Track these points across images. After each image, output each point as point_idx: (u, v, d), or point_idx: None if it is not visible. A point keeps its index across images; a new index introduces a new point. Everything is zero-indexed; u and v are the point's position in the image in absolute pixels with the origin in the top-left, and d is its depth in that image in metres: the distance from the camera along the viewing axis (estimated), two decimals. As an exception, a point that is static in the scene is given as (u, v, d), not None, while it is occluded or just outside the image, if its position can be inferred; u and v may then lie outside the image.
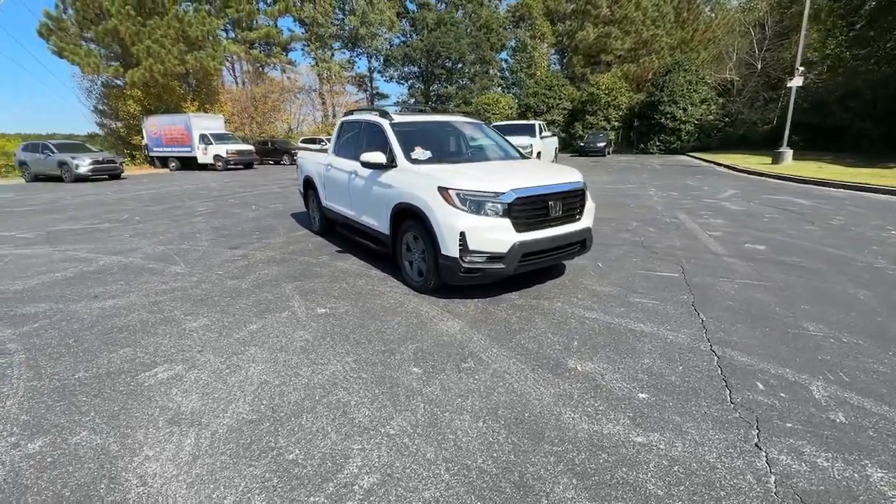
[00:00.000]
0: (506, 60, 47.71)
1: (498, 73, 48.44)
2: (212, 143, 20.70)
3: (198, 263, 5.10)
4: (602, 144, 26.40)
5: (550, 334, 3.17)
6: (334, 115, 39.97)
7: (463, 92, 44.63)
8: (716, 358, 2.80)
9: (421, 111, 5.68)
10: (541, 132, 12.56)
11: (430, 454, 2.00)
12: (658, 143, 28.87)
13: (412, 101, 47.13)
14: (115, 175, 16.88)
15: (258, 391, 2.51)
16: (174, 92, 23.00)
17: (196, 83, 24.20)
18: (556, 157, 15.06)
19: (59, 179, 15.95)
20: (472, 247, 3.48)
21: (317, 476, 1.88)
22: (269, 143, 25.74)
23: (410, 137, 4.61)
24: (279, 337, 3.18)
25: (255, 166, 22.38)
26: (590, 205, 4.20)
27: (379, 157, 4.27)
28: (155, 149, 22.51)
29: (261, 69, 35.64)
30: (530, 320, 3.42)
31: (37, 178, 16.76)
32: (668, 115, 27.78)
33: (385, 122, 4.63)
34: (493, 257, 3.52)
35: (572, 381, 2.57)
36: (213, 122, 22.18)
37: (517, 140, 11.34)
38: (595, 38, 36.20)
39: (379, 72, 47.31)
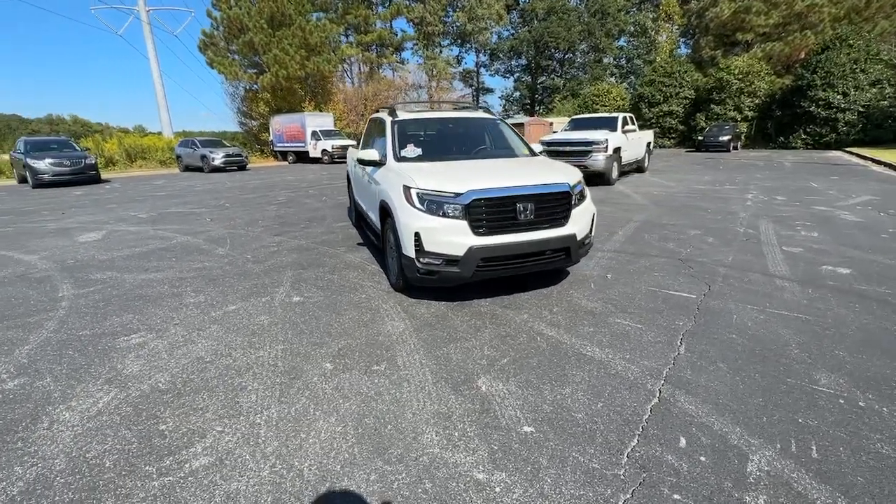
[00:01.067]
0: (621, 47, 44.00)
1: (613, 62, 44.96)
2: (320, 139, 23.04)
3: (239, 247, 5.80)
4: (726, 138, 22.98)
5: (487, 348, 2.96)
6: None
7: (571, 83, 42.46)
8: (655, 400, 2.33)
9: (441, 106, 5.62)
10: (624, 125, 11.39)
11: (270, 449, 2.05)
12: (804, 137, 24.12)
13: (517, 94, 46.32)
14: (241, 166, 19.83)
15: (188, 365, 2.82)
16: (296, 94, 26.02)
17: (314, 85, 27.05)
18: (648, 153, 13.53)
19: (200, 170, 19.30)
20: (427, 248, 3.39)
21: (166, 448, 2.07)
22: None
23: (409, 134, 4.62)
24: (242, 319, 3.50)
25: (356, 160, 24.35)
26: (582, 210, 3.76)
27: (372, 154, 4.37)
28: (278, 144, 25.85)
29: (378, 69, 38.39)
30: (479, 330, 3.22)
31: (187, 168, 20.51)
32: (821, 102, 22.97)
33: (388, 119, 4.70)
34: (449, 260, 3.38)
35: (465, 401, 2.38)
36: (323, 120, 24.63)
37: (588, 135, 10.50)
38: (731, 15, 31.37)
39: (485, 66, 47.42)
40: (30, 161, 14.09)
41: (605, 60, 44.34)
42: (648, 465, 1.89)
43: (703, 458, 1.92)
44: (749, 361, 2.68)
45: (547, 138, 11.27)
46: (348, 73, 37.74)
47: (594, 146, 10.26)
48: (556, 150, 10.83)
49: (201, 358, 2.91)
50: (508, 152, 4.72)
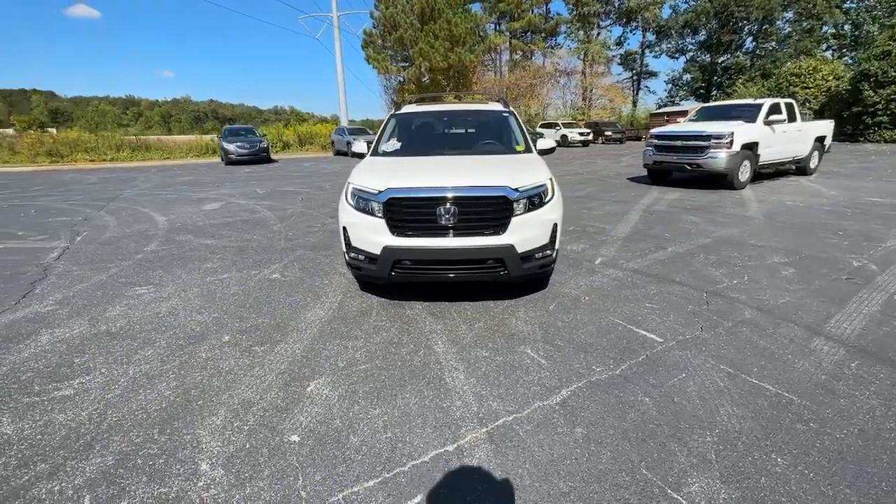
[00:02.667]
0: (846, 11, 33.85)
1: (832, 30, 35.11)
2: (452, 128, 24.01)
3: (293, 226, 6.64)
4: None
5: (362, 352, 2.89)
6: (589, 99, 38.59)
7: (763, 61, 34.72)
8: (447, 459, 2.01)
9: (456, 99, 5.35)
10: (770, 114, 8.99)
11: (114, 394, 2.46)
12: None
13: (686, 76, 39.94)
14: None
15: (150, 317, 3.47)
16: (438, 84, 27.47)
17: (455, 76, 28.10)
18: (819, 150, 10.46)
19: (346, 154, 22.14)
20: (353, 244, 3.42)
21: (68, 367, 2.66)
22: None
23: (404, 128, 4.62)
24: (218, 287, 4.10)
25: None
26: (532, 218, 3.27)
27: (361, 147, 4.51)
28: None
29: (530, 56, 37.75)
30: (377, 333, 3.14)
31: (338, 152, 23.74)
32: None
33: (391, 112, 4.76)
34: (369, 258, 3.35)
35: (279, 398, 2.42)
36: (458, 110, 25.52)
37: (707, 127, 8.65)
38: None
39: (649, 47, 42.05)
40: (224, 144, 18.27)
41: (823, 30, 34.78)
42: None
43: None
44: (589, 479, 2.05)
45: (656, 131, 9.65)
46: (496, 62, 37.99)
47: (713, 141, 8.41)
48: (664, 146, 9.24)
49: (158, 313, 3.55)
50: (499, 149, 4.31)
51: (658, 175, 9.95)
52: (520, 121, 4.67)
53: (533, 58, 38.47)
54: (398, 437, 2.08)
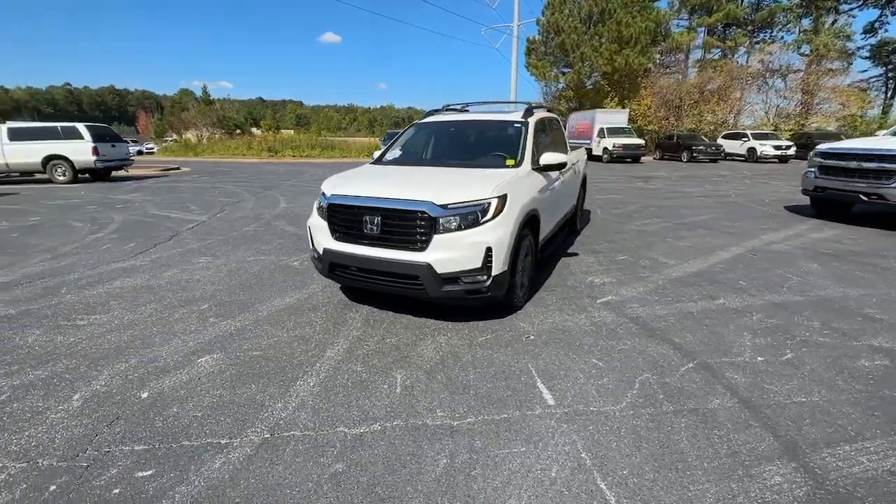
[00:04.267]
0: None
1: None
2: (604, 137, 22.26)
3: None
4: None
5: (270, 340, 3.16)
6: (808, 104, 30.65)
7: None
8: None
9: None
10: None
11: (72, 340, 3.32)
12: None
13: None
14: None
15: (182, 281, 4.45)
16: (601, 90, 25.74)
17: (622, 79, 25.79)
18: None
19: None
20: (312, 243, 3.71)
21: (93, 308, 3.68)
22: (675, 138, 24.21)
23: (417, 137, 4.70)
24: (247, 267, 4.92)
25: (641, 160, 22.24)
26: (462, 238, 3.02)
27: (376, 154, 4.76)
28: (570, 141, 26.67)
29: (725, 54, 32.20)
30: (301, 325, 3.37)
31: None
32: None
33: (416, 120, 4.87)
34: (317, 258, 3.59)
35: (171, 360, 2.88)
36: (616, 117, 23.48)
37: (897, 143, 6.12)
38: None
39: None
40: (382, 145, 20.78)
41: None
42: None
43: None
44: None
45: (825, 147, 7.19)
46: (682, 62, 33.29)
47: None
48: (833, 167, 6.91)
49: (190, 280, 4.50)
50: (491, 162, 4.00)
51: (826, 206, 7.46)
52: (532, 132, 4.21)
53: (734, 56, 32.48)
54: (209, 422, 2.29)
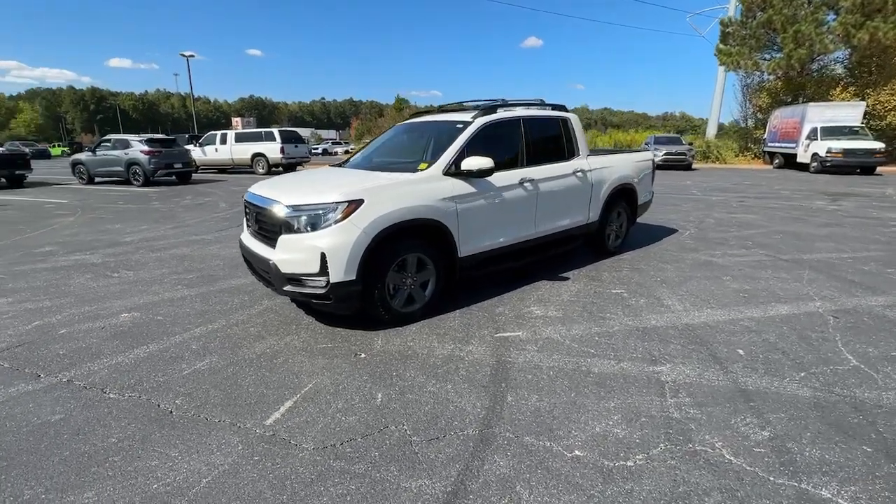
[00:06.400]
0: None
1: None
2: (815, 139, 16.88)
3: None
4: None
5: (188, 308, 3.75)
6: None
7: None
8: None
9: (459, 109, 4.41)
10: None
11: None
12: None
13: None
14: (684, 166, 18.63)
15: (208, 255, 5.55)
16: (826, 78, 19.48)
17: (863, 61, 18.80)
18: None
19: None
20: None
21: (128, 265, 4.98)
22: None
23: (382, 139, 4.71)
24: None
25: (876, 171, 16.09)
26: (301, 241, 3.02)
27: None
28: (770, 143, 21.08)
29: None
30: (227, 300, 3.86)
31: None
32: None
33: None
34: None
35: (112, 316, 3.71)
36: (841, 112, 17.47)
37: None
38: None
39: None
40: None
41: None
42: None
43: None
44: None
45: None
46: None
47: None
48: None
49: (219, 254, 5.56)
50: (403, 166, 3.75)
51: None
52: (469, 135, 3.68)
53: None
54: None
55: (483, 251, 3.79)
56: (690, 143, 20.44)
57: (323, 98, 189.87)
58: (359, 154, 4.67)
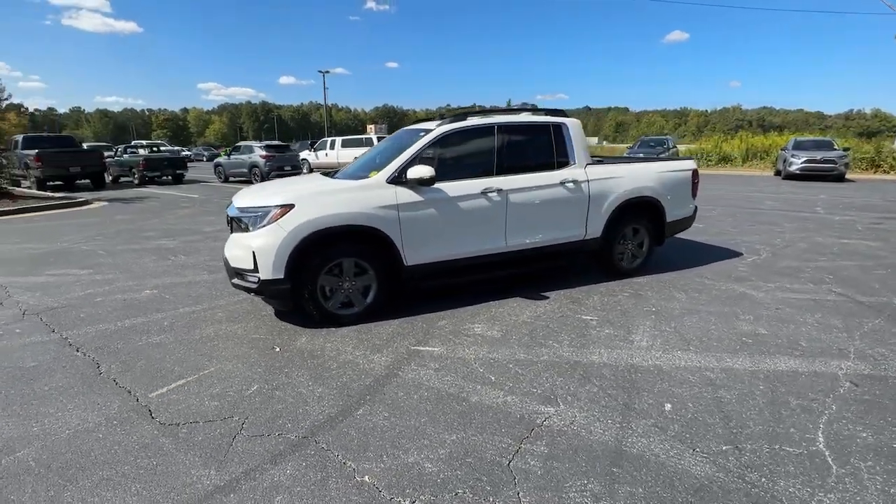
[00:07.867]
0: None
1: None
2: None
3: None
4: None
5: (183, 292, 4.41)
6: None
7: None
8: None
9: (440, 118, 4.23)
10: None
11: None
12: None
13: None
14: (834, 176, 15.10)
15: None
16: None
17: None
18: None
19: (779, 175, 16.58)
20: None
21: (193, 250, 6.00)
22: None
23: (381, 147, 4.81)
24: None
25: None
26: (241, 239, 3.38)
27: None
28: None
29: None
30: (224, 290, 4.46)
31: (777, 172, 18.01)
32: None
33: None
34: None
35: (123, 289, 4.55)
36: None
37: None
38: None
39: None
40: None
41: None
42: None
43: (0, 331, 3.49)
44: (10, 376, 2.79)
45: None
46: None
47: None
48: None
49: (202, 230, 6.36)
50: (358, 173, 3.88)
51: None
52: (424, 144, 3.61)
53: None
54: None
55: (435, 261, 3.71)
56: (846, 149, 16.49)
57: (448, 104, 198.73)
58: (356, 161, 4.92)
